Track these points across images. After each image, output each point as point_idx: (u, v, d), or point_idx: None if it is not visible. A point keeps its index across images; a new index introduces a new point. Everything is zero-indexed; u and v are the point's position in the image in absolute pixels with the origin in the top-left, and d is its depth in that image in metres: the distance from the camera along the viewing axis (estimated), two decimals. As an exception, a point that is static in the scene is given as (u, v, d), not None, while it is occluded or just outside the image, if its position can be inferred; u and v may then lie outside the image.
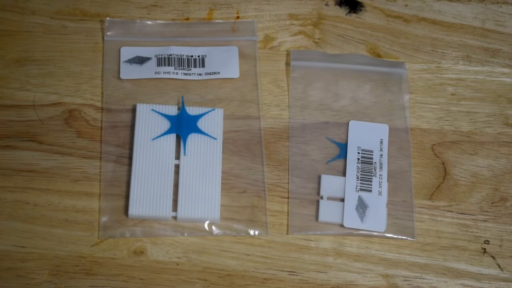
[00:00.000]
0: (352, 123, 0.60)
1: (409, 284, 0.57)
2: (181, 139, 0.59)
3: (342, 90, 0.62)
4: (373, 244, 0.58)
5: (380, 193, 0.58)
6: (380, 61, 0.63)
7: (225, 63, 0.62)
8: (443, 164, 0.60)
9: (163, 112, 0.60)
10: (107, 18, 0.63)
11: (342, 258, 0.57)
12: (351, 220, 0.57)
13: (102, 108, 0.60)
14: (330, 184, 0.58)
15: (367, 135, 0.60)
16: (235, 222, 0.58)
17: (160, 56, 0.62)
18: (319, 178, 0.59)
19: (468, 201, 0.60)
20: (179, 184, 0.58)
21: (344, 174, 0.59)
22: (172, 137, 0.59)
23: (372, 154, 0.60)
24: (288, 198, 0.59)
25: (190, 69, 0.62)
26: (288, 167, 0.59)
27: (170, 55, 0.62)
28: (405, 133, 0.61)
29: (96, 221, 0.57)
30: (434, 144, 0.61)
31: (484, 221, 0.59)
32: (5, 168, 0.58)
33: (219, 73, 0.62)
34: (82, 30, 0.63)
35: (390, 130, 0.60)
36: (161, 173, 0.58)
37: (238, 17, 0.64)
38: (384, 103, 0.61)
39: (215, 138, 0.59)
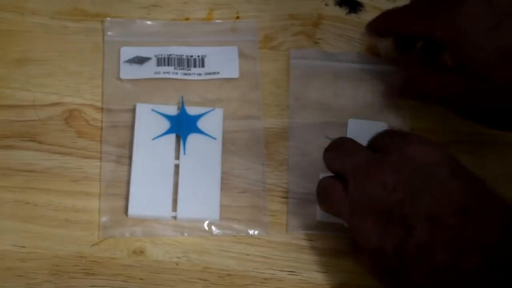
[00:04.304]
0: (351, 122, 0.60)
1: (409, 284, 0.57)
2: (181, 139, 0.59)
3: (342, 89, 0.62)
4: (373, 244, 0.58)
5: (380, 193, 0.58)
6: (380, 59, 0.63)
7: (225, 63, 0.62)
8: (443, 164, 0.60)
9: (163, 112, 0.60)
10: (107, 18, 0.63)
11: (342, 258, 0.57)
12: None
13: (102, 108, 0.60)
14: (329, 183, 0.58)
15: (366, 134, 0.59)
16: (235, 222, 0.58)
17: (160, 56, 0.62)
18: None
19: (468, 201, 0.60)
20: (179, 184, 0.58)
21: (343, 173, 0.59)
22: (172, 137, 0.59)
23: (371, 154, 0.59)
24: (287, 198, 0.59)
25: (190, 69, 0.62)
26: (288, 167, 0.59)
27: (170, 55, 0.62)
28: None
29: (96, 221, 0.57)
30: (434, 144, 0.61)
31: (484, 221, 0.59)
32: (5, 168, 0.58)
33: (219, 73, 0.62)
34: (82, 30, 0.63)
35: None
36: (161, 173, 0.58)
37: (238, 17, 0.64)
38: (385, 102, 0.61)
39: (215, 138, 0.59)
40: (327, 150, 0.54)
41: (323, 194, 0.53)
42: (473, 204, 0.46)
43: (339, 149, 0.53)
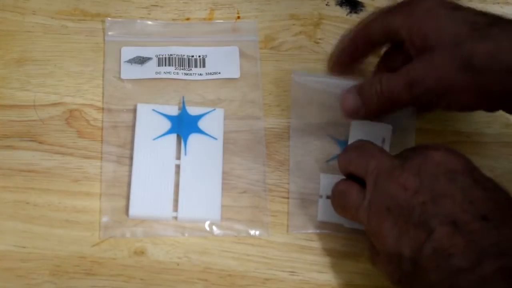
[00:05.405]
0: (354, 123, 0.60)
1: (410, 285, 0.57)
2: (181, 139, 0.59)
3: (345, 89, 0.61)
4: (374, 244, 0.58)
5: (381, 193, 0.58)
6: None
7: (225, 63, 0.62)
8: (444, 164, 0.60)
9: (164, 112, 0.60)
10: (108, 18, 0.63)
11: (343, 259, 0.57)
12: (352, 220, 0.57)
13: (102, 108, 0.60)
14: (329, 183, 0.58)
15: (369, 135, 0.59)
16: (236, 223, 0.58)
17: (161, 56, 0.62)
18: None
19: (469, 201, 0.59)
20: (180, 184, 0.58)
21: (345, 174, 0.59)
22: (173, 137, 0.59)
23: (372, 154, 0.59)
24: (288, 198, 0.59)
25: (190, 69, 0.62)
26: (289, 167, 0.59)
27: (171, 55, 0.62)
28: (408, 133, 0.60)
29: (96, 221, 0.57)
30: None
31: (485, 221, 0.59)
32: (5, 168, 0.58)
33: (219, 73, 0.62)
34: (82, 30, 0.63)
35: (394, 130, 0.60)
36: (161, 173, 0.58)
37: (239, 17, 0.64)
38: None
39: (215, 138, 0.59)
40: (346, 151, 0.54)
41: (341, 198, 0.53)
42: (493, 211, 0.46)
43: (360, 150, 0.53)
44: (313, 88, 0.61)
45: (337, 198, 0.54)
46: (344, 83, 0.60)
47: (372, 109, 0.56)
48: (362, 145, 0.53)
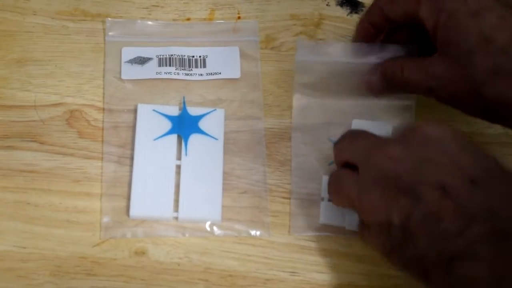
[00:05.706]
0: (355, 122, 0.60)
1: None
2: (182, 139, 0.59)
3: (346, 89, 0.60)
4: (375, 245, 0.58)
5: (381, 194, 0.58)
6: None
7: (226, 63, 0.62)
8: (445, 164, 0.60)
9: (164, 112, 0.60)
10: (108, 19, 0.63)
11: (344, 259, 0.57)
12: (353, 222, 0.57)
13: (103, 109, 0.60)
14: (331, 185, 0.58)
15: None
16: (237, 223, 0.58)
17: (161, 57, 0.62)
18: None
19: (470, 201, 0.59)
20: (181, 184, 0.58)
21: (345, 174, 0.59)
22: (174, 137, 0.59)
23: (374, 155, 0.59)
24: (289, 198, 0.59)
25: (191, 70, 0.62)
26: (290, 168, 0.59)
27: (171, 55, 0.62)
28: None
29: (97, 221, 0.57)
30: (435, 145, 0.61)
31: (486, 221, 0.59)
32: (6, 168, 0.58)
33: (220, 73, 0.62)
34: (83, 31, 0.63)
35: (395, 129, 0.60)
36: (162, 174, 0.58)
37: (239, 17, 0.64)
38: (389, 103, 0.61)
39: (216, 139, 0.59)
40: (339, 140, 0.54)
41: (335, 183, 0.53)
42: (482, 176, 0.46)
43: (352, 137, 0.53)
44: (316, 67, 0.60)
45: (332, 184, 0.54)
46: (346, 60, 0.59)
47: (393, 88, 0.57)
48: (353, 133, 0.54)
